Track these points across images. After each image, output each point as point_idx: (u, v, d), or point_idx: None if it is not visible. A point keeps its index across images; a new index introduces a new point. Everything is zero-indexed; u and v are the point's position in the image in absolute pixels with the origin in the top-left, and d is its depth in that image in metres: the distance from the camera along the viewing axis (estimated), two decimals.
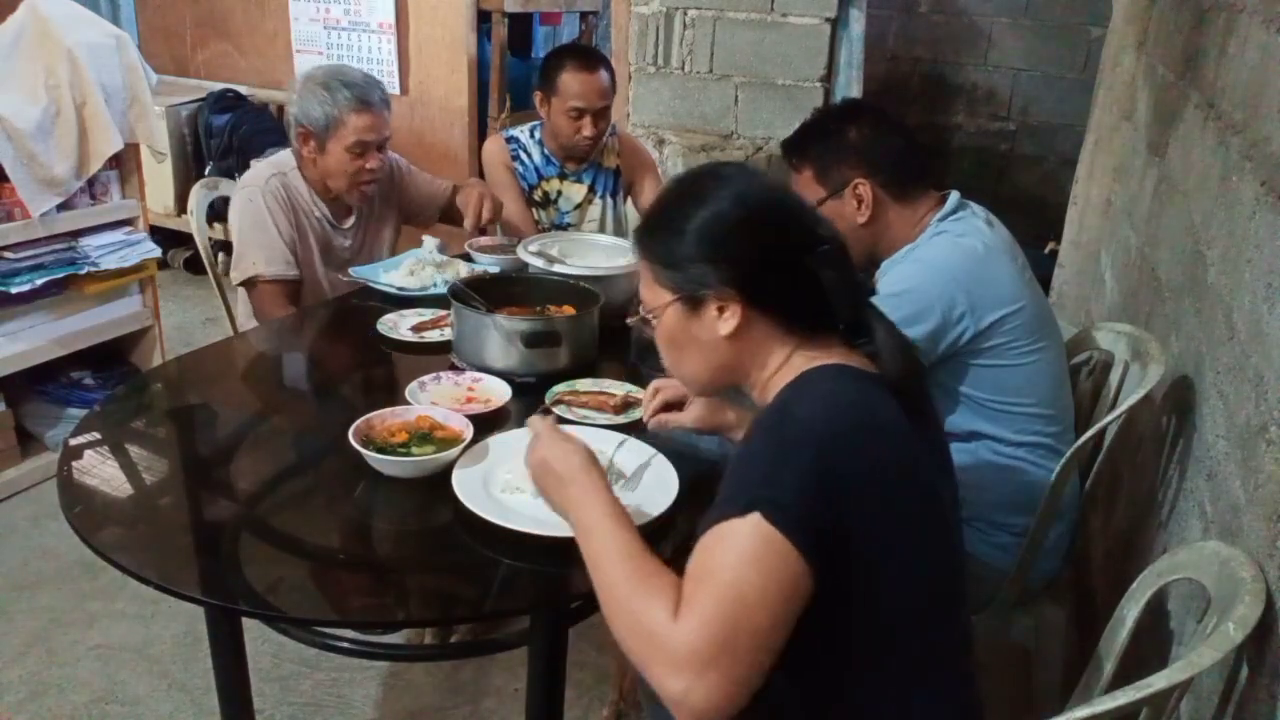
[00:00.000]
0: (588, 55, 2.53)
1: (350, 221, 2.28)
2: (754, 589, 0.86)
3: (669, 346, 1.15)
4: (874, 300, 1.14)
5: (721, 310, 1.07)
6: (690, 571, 0.91)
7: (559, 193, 2.65)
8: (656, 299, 1.13)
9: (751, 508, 0.88)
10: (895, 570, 0.97)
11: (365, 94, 2.11)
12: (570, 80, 2.45)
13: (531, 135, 2.63)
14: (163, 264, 3.76)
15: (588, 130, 2.49)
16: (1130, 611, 1.16)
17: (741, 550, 0.88)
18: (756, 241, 1.07)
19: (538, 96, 2.55)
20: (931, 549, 1.02)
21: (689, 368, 1.15)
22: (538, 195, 2.64)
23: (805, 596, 0.89)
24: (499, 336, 1.64)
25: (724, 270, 1.06)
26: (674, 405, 1.43)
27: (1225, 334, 1.35)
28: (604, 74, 2.49)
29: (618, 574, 0.96)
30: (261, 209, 2.08)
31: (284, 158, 2.21)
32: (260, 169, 2.19)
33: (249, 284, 2.11)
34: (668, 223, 1.11)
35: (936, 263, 1.58)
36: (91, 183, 2.72)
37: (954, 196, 1.68)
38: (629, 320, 1.25)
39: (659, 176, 2.82)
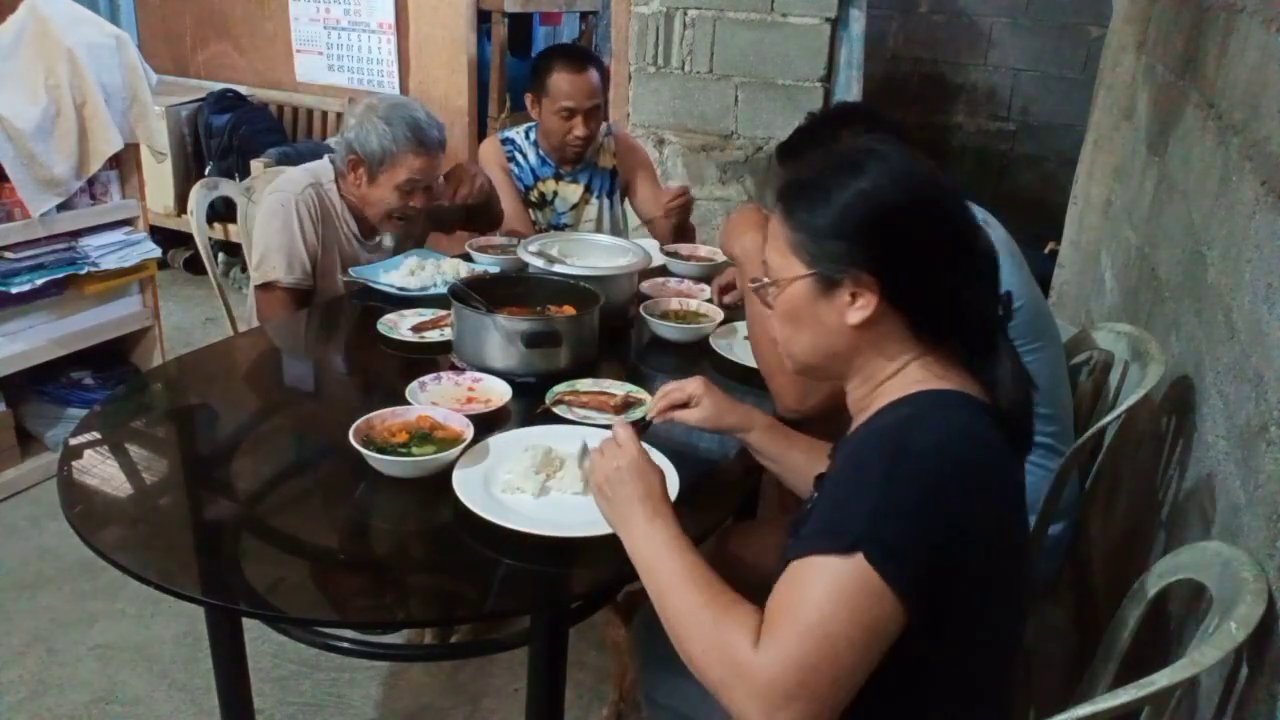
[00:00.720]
0: (577, 55, 2.53)
1: (377, 239, 2.28)
2: (843, 630, 0.84)
3: (786, 321, 1.07)
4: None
5: (855, 297, 0.99)
6: (777, 600, 0.89)
7: (555, 193, 2.64)
8: (786, 268, 1.04)
9: (856, 547, 0.85)
10: (984, 610, 0.95)
11: (425, 134, 2.09)
12: (560, 80, 2.45)
13: (527, 136, 2.63)
14: (163, 264, 3.76)
15: (578, 130, 2.48)
16: (1133, 612, 1.16)
17: (835, 588, 0.85)
18: (910, 232, 0.98)
19: (529, 98, 2.55)
20: (1014, 590, 1.01)
21: (801, 347, 1.07)
22: (534, 196, 2.63)
23: (895, 635, 0.87)
24: (499, 336, 1.64)
25: (868, 254, 0.97)
26: (680, 407, 1.42)
27: (1225, 334, 1.35)
28: (594, 73, 2.48)
29: (696, 599, 0.94)
30: (292, 216, 2.07)
31: (322, 168, 2.19)
32: (297, 176, 2.18)
33: (264, 287, 2.11)
34: (816, 186, 1.01)
35: None
36: (91, 183, 2.72)
37: None
38: (751, 285, 1.12)
39: (656, 176, 2.82)
